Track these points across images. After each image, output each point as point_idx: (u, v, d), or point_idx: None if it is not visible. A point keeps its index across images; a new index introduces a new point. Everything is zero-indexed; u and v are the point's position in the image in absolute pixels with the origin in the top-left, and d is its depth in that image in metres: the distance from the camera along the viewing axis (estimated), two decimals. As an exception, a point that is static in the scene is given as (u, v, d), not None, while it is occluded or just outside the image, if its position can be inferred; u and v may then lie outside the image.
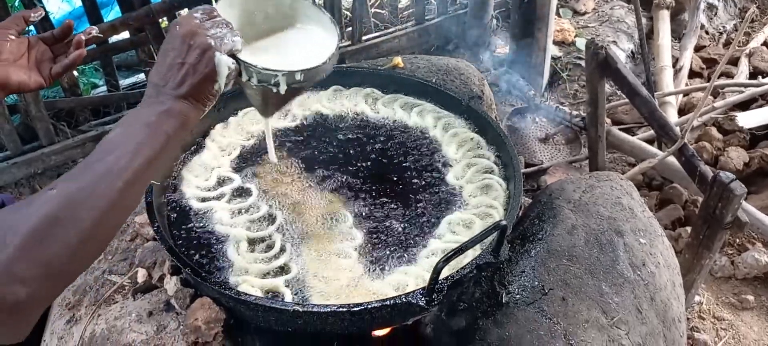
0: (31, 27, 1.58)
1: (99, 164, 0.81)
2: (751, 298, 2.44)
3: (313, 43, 1.18)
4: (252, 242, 1.42)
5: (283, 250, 1.40)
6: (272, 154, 1.47)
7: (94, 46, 2.59)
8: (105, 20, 2.62)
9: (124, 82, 3.01)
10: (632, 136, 2.85)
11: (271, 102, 1.21)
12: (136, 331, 1.37)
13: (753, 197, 2.75)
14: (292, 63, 1.09)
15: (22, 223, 0.71)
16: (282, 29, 1.21)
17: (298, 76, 1.07)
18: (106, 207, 0.78)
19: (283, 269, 1.36)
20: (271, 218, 1.49)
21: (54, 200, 0.74)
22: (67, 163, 2.69)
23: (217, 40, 0.96)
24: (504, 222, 1.20)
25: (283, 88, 1.07)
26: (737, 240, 2.68)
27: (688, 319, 2.37)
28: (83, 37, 1.32)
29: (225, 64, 0.95)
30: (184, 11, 2.77)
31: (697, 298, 2.41)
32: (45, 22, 2.30)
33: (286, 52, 1.17)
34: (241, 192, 1.58)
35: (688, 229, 2.47)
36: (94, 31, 1.38)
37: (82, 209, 0.76)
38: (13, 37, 1.26)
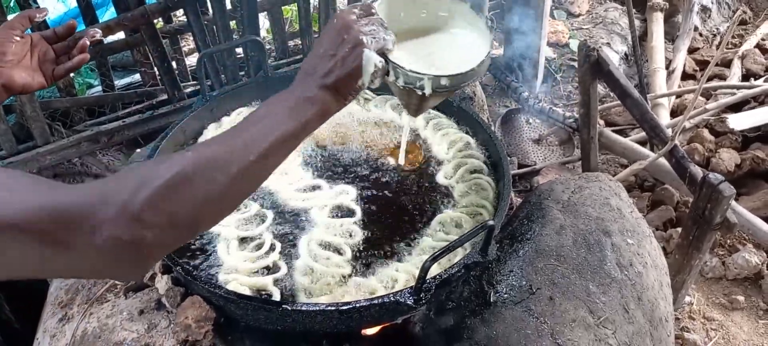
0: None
1: (237, 135, 0.87)
2: (741, 298, 2.46)
3: (463, 49, 1.19)
4: (243, 241, 1.44)
5: (272, 248, 1.41)
6: (402, 157, 1.54)
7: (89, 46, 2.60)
8: (100, 21, 2.63)
9: (119, 83, 3.02)
10: (625, 137, 2.87)
11: (417, 103, 1.22)
12: (127, 329, 1.39)
13: (744, 198, 2.76)
14: (440, 67, 1.11)
15: (157, 176, 0.77)
16: (434, 31, 1.23)
17: (443, 82, 1.08)
18: (235, 174, 0.83)
19: (272, 268, 1.38)
20: (261, 217, 1.51)
21: (189, 160, 0.80)
22: (63, 162, 2.70)
23: (368, 37, 0.98)
24: (491, 222, 1.21)
25: (427, 91, 1.08)
26: (728, 241, 2.70)
27: (678, 319, 2.39)
28: (87, 42, 1.33)
29: (373, 60, 0.97)
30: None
31: (687, 298, 2.43)
32: (41, 23, 2.31)
33: (437, 55, 1.18)
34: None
35: (680, 230, 2.48)
36: (98, 34, 1.39)
37: (214, 172, 0.81)
38: (18, 38, 1.26)
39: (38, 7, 2.31)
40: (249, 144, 0.86)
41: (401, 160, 1.60)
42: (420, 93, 1.08)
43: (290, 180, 1.62)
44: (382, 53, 1.00)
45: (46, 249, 0.73)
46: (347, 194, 1.58)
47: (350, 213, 1.52)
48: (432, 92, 1.08)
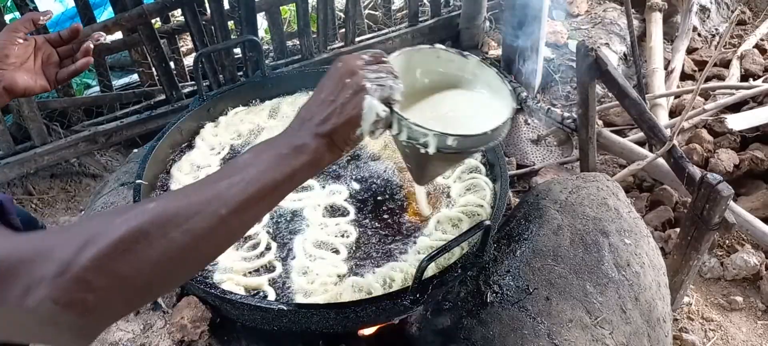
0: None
1: (210, 186, 0.77)
2: (739, 299, 2.45)
3: (480, 113, 1.12)
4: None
5: (268, 248, 1.41)
6: (424, 207, 1.46)
7: (87, 46, 2.60)
8: (98, 20, 2.63)
9: (116, 83, 3.02)
10: (623, 137, 2.87)
11: (422, 165, 1.14)
12: (123, 329, 1.38)
13: (743, 198, 2.76)
14: (452, 128, 1.01)
15: (109, 231, 0.67)
16: (453, 92, 1.17)
17: (449, 142, 0.99)
18: (202, 232, 0.73)
19: (267, 267, 1.37)
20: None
21: (148, 214, 0.70)
22: (60, 163, 2.70)
23: (373, 84, 0.90)
24: (488, 222, 1.21)
25: (431, 150, 0.99)
26: (727, 242, 2.69)
27: (676, 320, 2.38)
28: (91, 45, 1.32)
29: (374, 109, 0.89)
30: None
31: (685, 299, 2.43)
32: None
33: (450, 116, 1.12)
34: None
35: (678, 230, 2.48)
36: (102, 37, 1.38)
37: (175, 229, 0.71)
38: (21, 40, 1.25)
39: (36, 7, 2.32)
40: (222, 198, 0.75)
41: (424, 211, 1.50)
42: (423, 151, 1.00)
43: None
44: (388, 103, 0.92)
45: None
46: (340, 194, 1.57)
47: (344, 212, 1.52)
48: (437, 152, 0.99)
